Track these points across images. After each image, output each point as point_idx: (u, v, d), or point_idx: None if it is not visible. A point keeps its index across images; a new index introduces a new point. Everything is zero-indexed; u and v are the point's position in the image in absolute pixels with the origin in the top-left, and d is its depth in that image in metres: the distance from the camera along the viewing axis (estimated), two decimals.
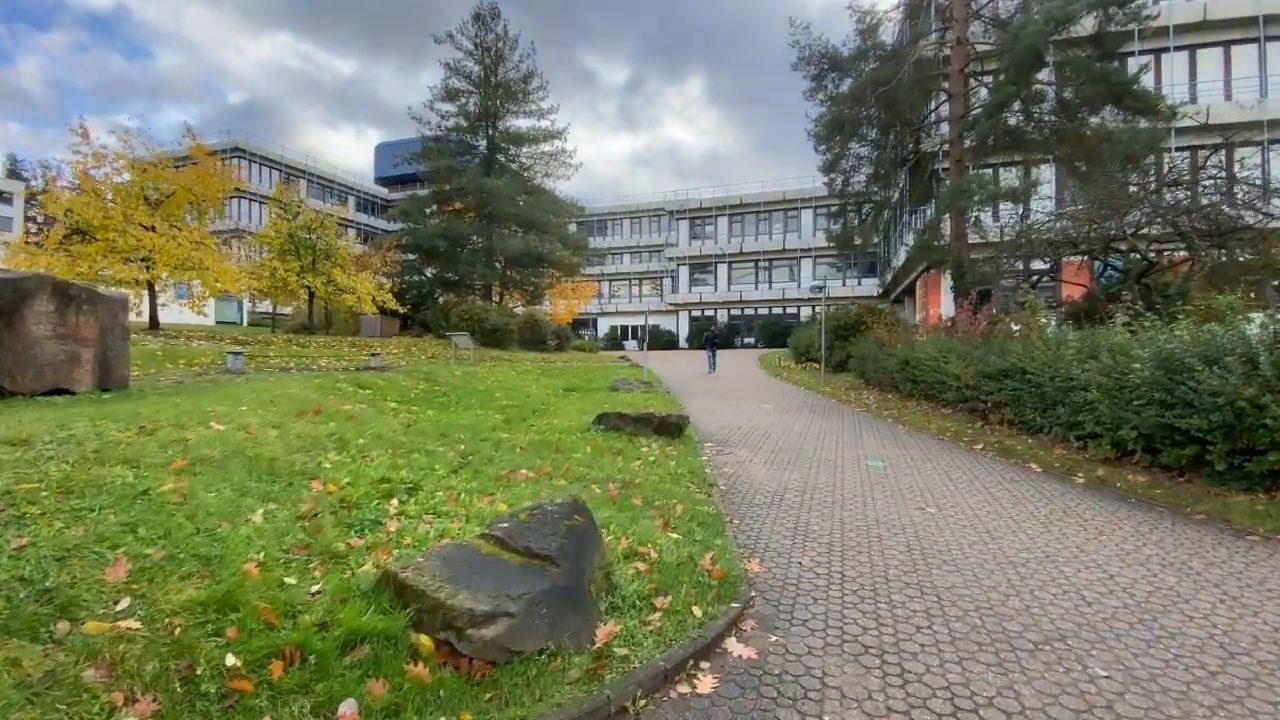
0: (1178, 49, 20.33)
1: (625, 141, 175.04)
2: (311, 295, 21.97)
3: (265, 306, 40.12)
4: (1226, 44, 20.49)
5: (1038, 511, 5.10)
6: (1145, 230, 10.59)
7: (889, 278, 36.72)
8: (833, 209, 19.00)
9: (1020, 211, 13.47)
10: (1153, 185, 10.60)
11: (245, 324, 45.10)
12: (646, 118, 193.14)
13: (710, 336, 23.24)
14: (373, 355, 13.31)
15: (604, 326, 57.36)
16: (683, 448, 7.28)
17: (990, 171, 13.45)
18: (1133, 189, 11.01)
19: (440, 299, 30.86)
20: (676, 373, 20.89)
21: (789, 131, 72.13)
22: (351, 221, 64.46)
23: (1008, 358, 7.94)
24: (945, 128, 19.34)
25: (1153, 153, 11.50)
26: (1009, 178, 11.43)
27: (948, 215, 15.29)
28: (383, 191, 65.48)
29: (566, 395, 12.31)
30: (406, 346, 20.69)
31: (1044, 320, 8.41)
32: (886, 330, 13.74)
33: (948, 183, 15.13)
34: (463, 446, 6.51)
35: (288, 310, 37.08)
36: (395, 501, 4.13)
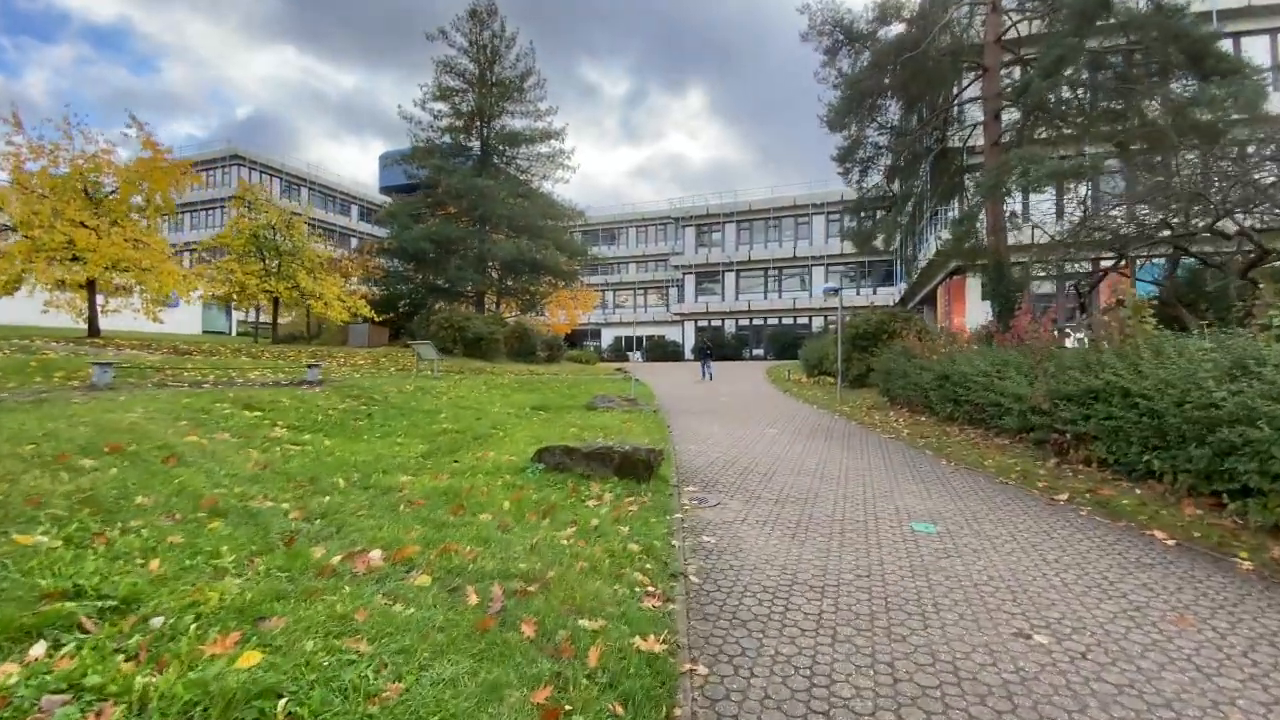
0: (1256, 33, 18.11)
1: (628, 154, 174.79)
2: (277, 302, 20.20)
3: (261, 315, 38.61)
4: None
5: (1231, 641, 2.96)
6: (1242, 215, 8.43)
7: (906, 286, 34.58)
8: (848, 206, 16.86)
9: (1073, 198, 11.31)
10: (1255, 158, 8.47)
11: (234, 333, 43.71)
12: (649, 130, 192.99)
13: (703, 346, 25.41)
14: (309, 368, 11.38)
15: (608, 337, 55.47)
16: (651, 498, 5.20)
17: (1039, 149, 11.42)
18: (1225, 164, 8.85)
19: (435, 307, 29.13)
20: (673, 386, 18.80)
21: (792, 146, 70.67)
22: (355, 231, 63.32)
23: (1101, 374, 5.79)
24: (974, 112, 17.29)
25: (1251, 117, 9.38)
26: (1057, 162, 9.40)
27: (983, 209, 13.15)
28: (387, 201, 64.48)
29: (530, 416, 10.27)
30: (377, 358, 18.79)
31: (1148, 324, 6.25)
32: (917, 339, 11.58)
33: (982, 171, 13.01)
34: (326, 500, 4.50)
35: (285, 319, 35.55)
36: None
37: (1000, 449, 7.65)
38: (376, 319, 22.49)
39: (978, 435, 8.52)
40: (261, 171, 59.93)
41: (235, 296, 19.11)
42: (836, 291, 13.63)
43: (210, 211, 58.47)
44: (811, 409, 12.95)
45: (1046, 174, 9.00)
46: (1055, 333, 7.85)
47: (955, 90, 14.88)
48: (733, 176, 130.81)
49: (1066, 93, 11.15)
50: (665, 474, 6.16)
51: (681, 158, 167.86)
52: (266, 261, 19.07)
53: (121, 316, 18.00)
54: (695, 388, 18.66)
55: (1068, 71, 9.90)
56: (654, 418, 10.53)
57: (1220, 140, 9.86)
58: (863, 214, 16.15)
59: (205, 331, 41.20)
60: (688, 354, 47.70)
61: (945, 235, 24.46)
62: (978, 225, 13.02)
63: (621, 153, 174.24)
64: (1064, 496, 5.58)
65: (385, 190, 66.72)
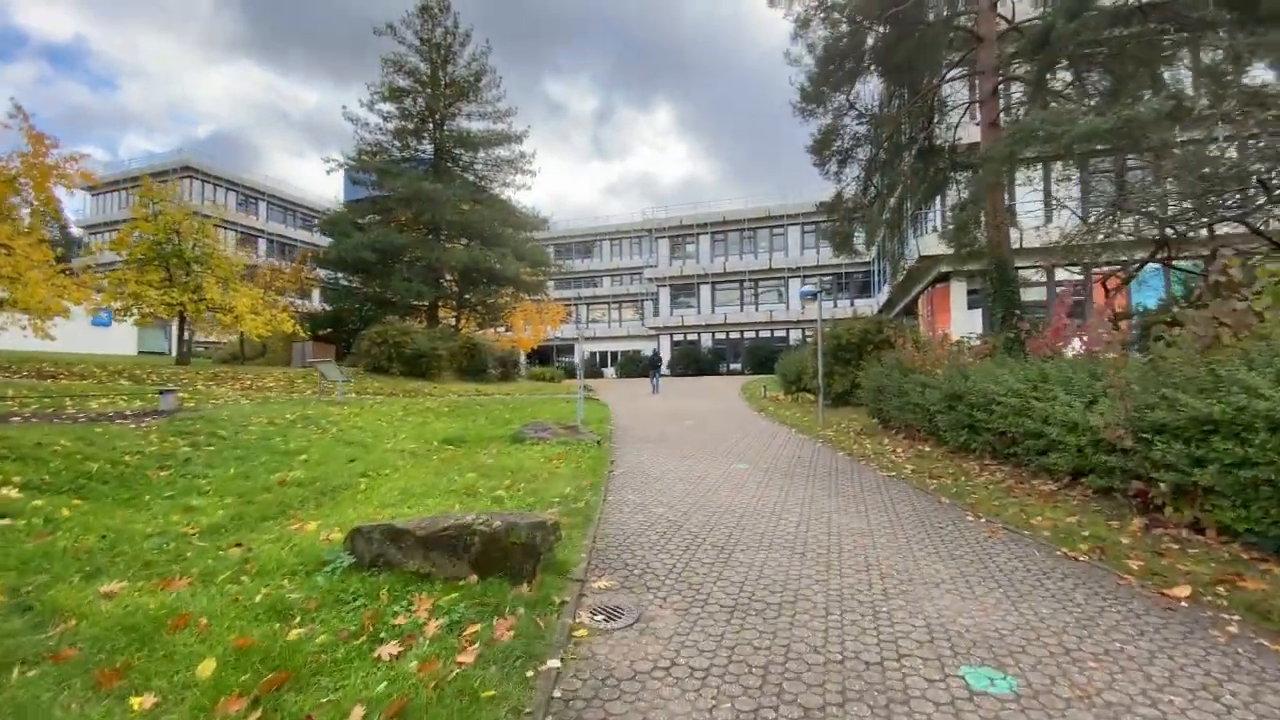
0: None
1: (599, 170, 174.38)
2: (183, 317, 17.61)
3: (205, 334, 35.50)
4: None
5: None
6: None
7: (886, 296, 33.12)
8: (825, 204, 15.03)
9: (1091, 182, 9.52)
10: None
11: (174, 353, 40.42)
12: (618, 147, 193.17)
13: (652, 361, 29.66)
14: (163, 394, 8.99)
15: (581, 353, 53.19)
16: (521, 619, 3.03)
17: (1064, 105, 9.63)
18: None
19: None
20: (636, 407, 16.65)
21: (762, 161, 69.95)
22: (319, 247, 60.55)
23: (1228, 395, 3.78)
24: (964, 95, 15.66)
25: None
26: (1093, 120, 7.55)
27: (982, 198, 11.33)
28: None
29: (431, 455, 8.01)
30: (293, 379, 16.34)
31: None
32: (915, 349, 9.62)
33: (982, 151, 11.22)
34: None
35: (227, 338, 32.63)
36: None
37: (1046, 498, 5.62)
38: (305, 335, 20.01)
39: (1007, 475, 6.50)
40: (215, 184, 57.01)
41: (134, 310, 16.53)
42: (814, 296, 11.70)
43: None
44: (790, 434, 10.89)
45: (1082, 134, 7.16)
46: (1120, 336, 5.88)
47: (944, 66, 13.16)
48: (704, 191, 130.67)
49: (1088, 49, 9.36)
50: (566, 560, 3.99)
51: (652, 174, 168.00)
52: (171, 270, 16.57)
53: (8, 334, 15.29)
54: (659, 407, 16.52)
55: (1093, 10, 8.16)
56: (594, 452, 8.34)
57: None
58: (841, 212, 14.28)
59: (142, 352, 37.96)
60: (664, 369, 45.63)
61: (929, 237, 22.91)
62: (977, 218, 11.18)
63: (592, 169, 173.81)
64: (1183, 591, 3.52)
65: (350, 204, 64.11)
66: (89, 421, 7.79)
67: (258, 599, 3.12)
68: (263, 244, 56.35)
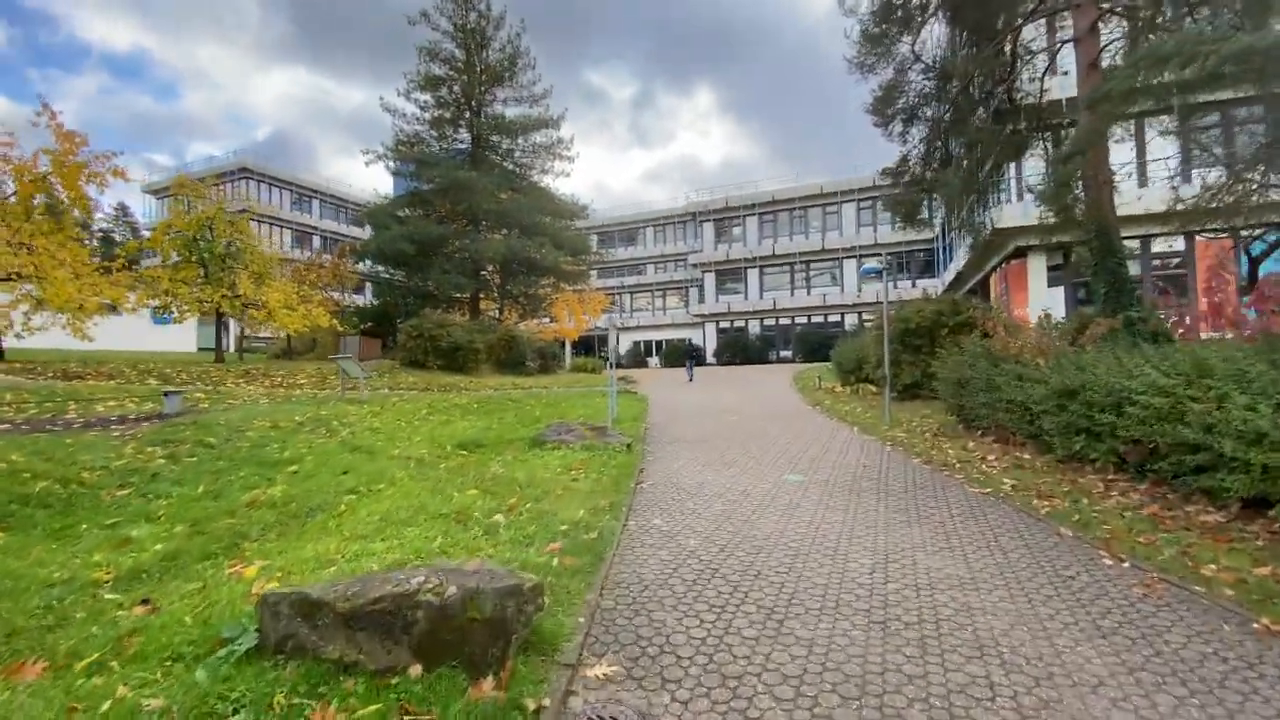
0: None
1: (639, 158, 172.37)
2: (220, 314, 17.56)
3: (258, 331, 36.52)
4: None
5: None
6: None
7: (952, 276, 30.69)
8: (888, 170, 13.36)
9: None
10: None
11: (232, 349, 41.89)
12: (658, 133, 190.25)
13: (687, 351, 30.93)
14: (167, 396, 8.48)
15: (625, 342, 52.37)
16: None
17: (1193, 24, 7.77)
18: None
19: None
20: (675, 400, 15.50)
21: (809, 140, 66.60)
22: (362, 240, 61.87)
23: None
24: (1042, 44, 13.62)
25: None
26: (1251, 37, 5.86)
27: (1076, 160, 9.51)
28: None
29: (441, 461, 7.12)
30: (326, 375, 16.00)
31: None
32: (1006, 334, 8.07)
33: (1083, 97, 9.41)
34: None
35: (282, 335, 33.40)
36: None
37: (1214, 534, 4.17)
38: (353, 329, 19.81)
39: (1145, 496, 5.03)
40: (270, 184, 58.95)
41: (173, 308, 16.64)
42: (879, 274, 10.20)
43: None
44: (851, 433, 9.52)
45: (1237, 53, 5.49)
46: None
47: (1024, 3, 11.28)
48: (747, 173, 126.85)
49: None
50: (556, 629, 2.94)
51: (694, 159, 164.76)
52: (208, 267, 16.54)
53: (51, 335, 15.55)
54: (701, 401, 15.32)
55: None
56: (621, 459, 7.27)
57: None
58: (909, 177, 12.59)
59: (201, 349, 39.45)
60: (709, 358, 44.24)
61: (1005, 208, 20.65)
62: (1076, 176, 9.41)
63: (632, 156, 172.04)
64: None
65: (391, 198, 65.26)
66: (83, 428, 7.30)
67: (100, 712, 2.19)
68: (316, 241, 57.86)
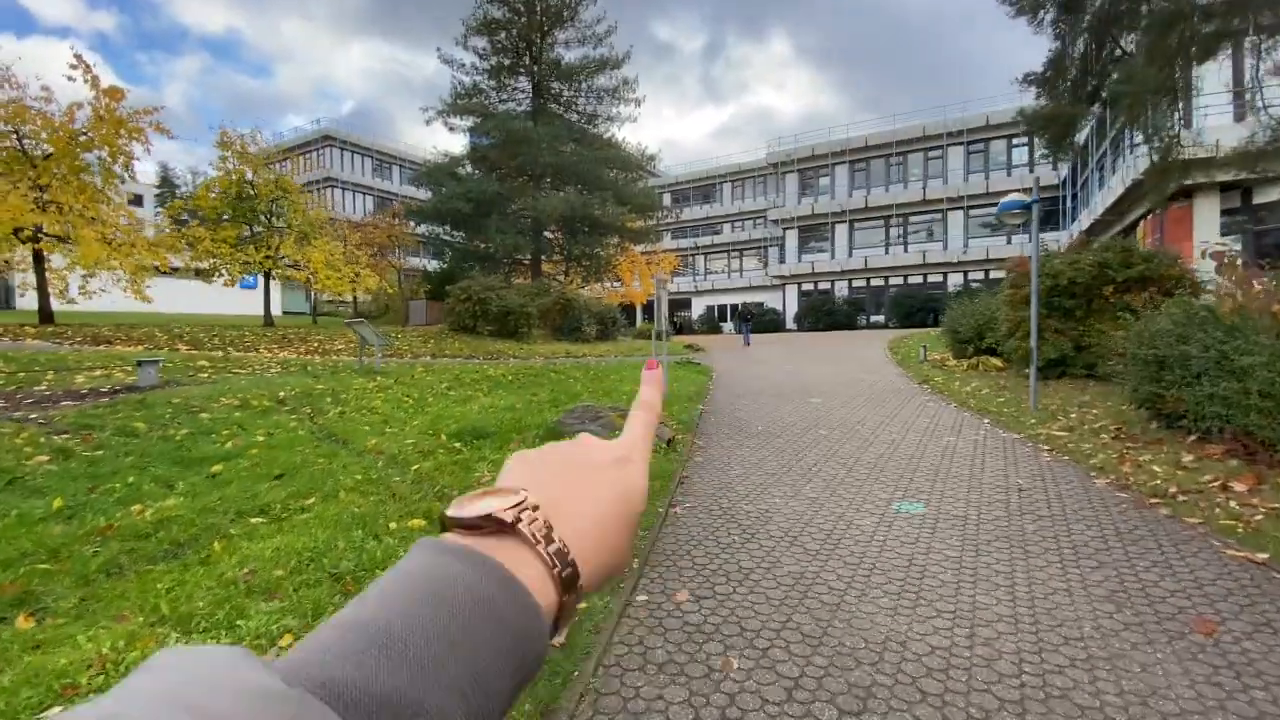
0: None
1: (710, 115, 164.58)
2: (268, 276, 16.92)
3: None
4: None
5: None
6: None
7: (1086, 224, 25.92)
8: (1030, 78, 10.11)
9: None
10: None
11: (314, 314, 43.26)
12: (730, 85, 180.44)
13: (744, 315, 29.06)
14: (141, 366, 7.33)
15: (699, 307, 49.94)
16: None
17: None
18: None
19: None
20: (744, 374, 13.19)
21: (896, 90, 59.18)
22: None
23: None
24: None
25: None
26: None
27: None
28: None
29: (425, 459, 5.40)
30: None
31: None
32: (1253, 288, 5.21)
33: None
34: None
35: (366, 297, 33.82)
36: None
37: None
38: (393, 292, 18.90)
39: None
40: (353, 151, 60.32)
41: (222, 271, 16.19)
42: (1026, 209, 7.40)
43: (307, 194, 59.48)
44: (983, 428, 6.98)
45: None
46: None
47: None
48: (831, 122, 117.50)
49: None
50: None
51: (769, 111, 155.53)
52: (254, 228, 15.90)
53: (114, 297, 15.45)
54: (776, 378, 12.96)
55: None
56: (654, 465, 5.27)
57: None
58: (1069, 80, 9.35)
59: (284, 313, 40.94)
60: (789, 323, 41.01)
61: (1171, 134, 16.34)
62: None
63: (703, 114, 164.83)
64: None
65: (451, 156, 65.25)
66: (34, 404, 6.20)
67: None
68: (397, 206, 59.01)
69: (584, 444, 0.39)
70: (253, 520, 3.89)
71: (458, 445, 5.93)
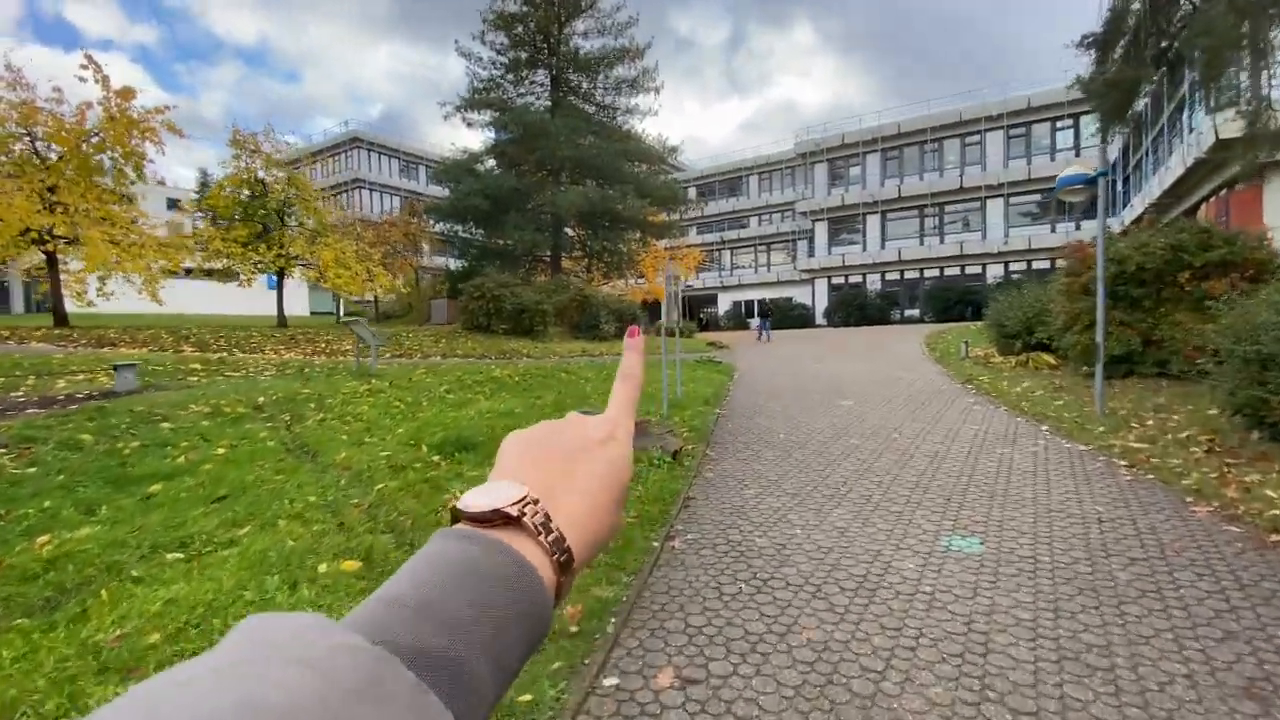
0: None
1: (734, 109, 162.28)
2: (282, 274, 16.69)
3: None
4: None
5: None
6: None
7: (1139, 210, 24.19)
8: (1088, 40, 9.02)
9: None
10: None
11: (343, 313, 43.60)
12: (753, 77, 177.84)
13: (764, 310, 30.79)
14: (118, 370, 6.91)
15: (725, 302, 48.86)
16: None
17: None
18: None
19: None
20: (769, 370, 12.30)
21: (926, 76, 56.68)
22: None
23: None
24: None
25: None
26: None
27: None
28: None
29: (394, 476, 4.76)
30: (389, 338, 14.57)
31: None
32: None
33: None
34: None
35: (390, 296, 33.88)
36: None
37: None
38: (408, 291, 18.54)
39: None
40: (379, 152, 60.90)
41: (237, 270, 16.02)
42: (1089, 183, 6.41)
43: (335, 197, 60.34)
44: (1042, 437, 6.05)
45: None
46: None
47: None
48: (861, 112, 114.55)
49: None
50: None
51: (794, 103, 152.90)
52: (267, 226, 15.66)
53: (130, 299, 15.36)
54: (803, 377, 12.07)
55: None
56: (655, 483, 4.52)
57: None
58: (1139, 40, 8.22)
59: (313, 313, 41.34)
60: (819, 319, 39.70)
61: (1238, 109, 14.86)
62: None
63: (727, 108, 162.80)
64: None
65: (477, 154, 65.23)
66: (5, 411, 5.80)
67: None
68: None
69: (573, 423, 0.42)
70: (167, 557, 3.29)
71: (437, 458, 5.29)
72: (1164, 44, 8.18)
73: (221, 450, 5.19)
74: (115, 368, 6.91)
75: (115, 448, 4.95)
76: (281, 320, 17.13)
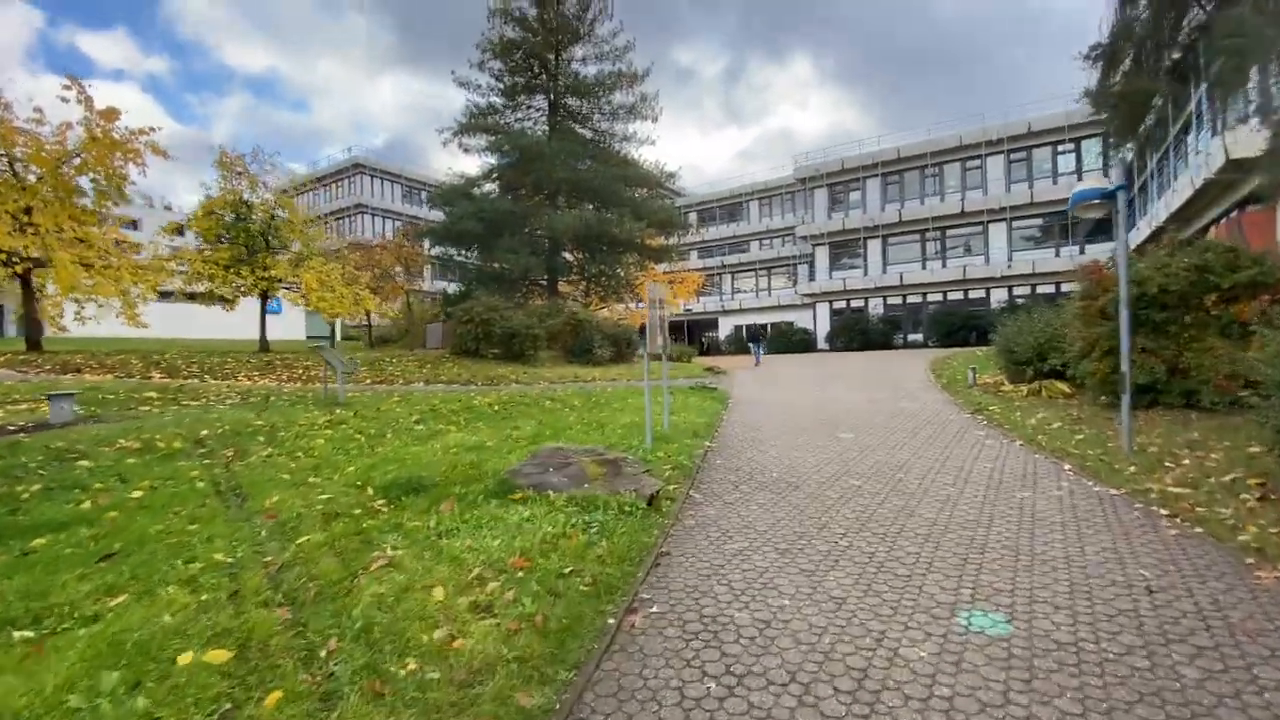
0: None
1: (733, 138, 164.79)
2: (265, 297, 16.25)
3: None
4: None
5: None
6: None
7: (1144, 235, 23.79)
8: (1101, 46, 8.60)
9: None
10: None
11: (339, 338, 43.22)
12: (752, 108, 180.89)
13: (754, 335, 31.07)
14: (52, 400, 6.35)
15: (726, 326, 48.43)
16: None
17: None
18: None
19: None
20: (765, 399, 11.67)
21: (922, 106, 57.15)
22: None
23: None
24: None
25: None
26: None
27: None
28: None
29: (317, 528, 4.14)
30: (374, 361, 14.03)
31: None
32: None
33: None
34: None
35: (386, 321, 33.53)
36: None
37: None
38: (396, 316, 18.09)
39: None
40: (382, 178, 61.33)
41: (220, 293, 15.55)
42: (1109, 197, 5.88)
43: (337, 222, 60.44)
44: (1065, 477, 5.42)
45: None
46: None
47: None
48: (859, 138, 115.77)
49: None
50: None
51: (792, 132, 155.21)
52: (251, 248, 15.27)
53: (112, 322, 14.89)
54: (802, 405, 11.47)
55: None
56: (621, 536, 3.89)
57: None
58: (1130, 54, 7.79)
59: (310, 337, 40.97)
60: (820, 343, 39.14)
61: (1239, 130, 14.50)
62: None
63: (726, 136, 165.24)
64: None
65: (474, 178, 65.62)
66: None
67: None
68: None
69: None
70: (15, 635, 2.68)
71: (381, 503, 4.68)
72: (1175, 55, 7.75)
73: (138, 494, 4.60)
74: (49, 397, 6.35)
75: (13, 491, 4.37)
76: (264, 344, 16.66)
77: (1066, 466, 5.66)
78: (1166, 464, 5.34)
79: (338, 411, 8.03)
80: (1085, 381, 8.32)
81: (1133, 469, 5.26)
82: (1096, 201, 5.97)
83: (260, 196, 15.77)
